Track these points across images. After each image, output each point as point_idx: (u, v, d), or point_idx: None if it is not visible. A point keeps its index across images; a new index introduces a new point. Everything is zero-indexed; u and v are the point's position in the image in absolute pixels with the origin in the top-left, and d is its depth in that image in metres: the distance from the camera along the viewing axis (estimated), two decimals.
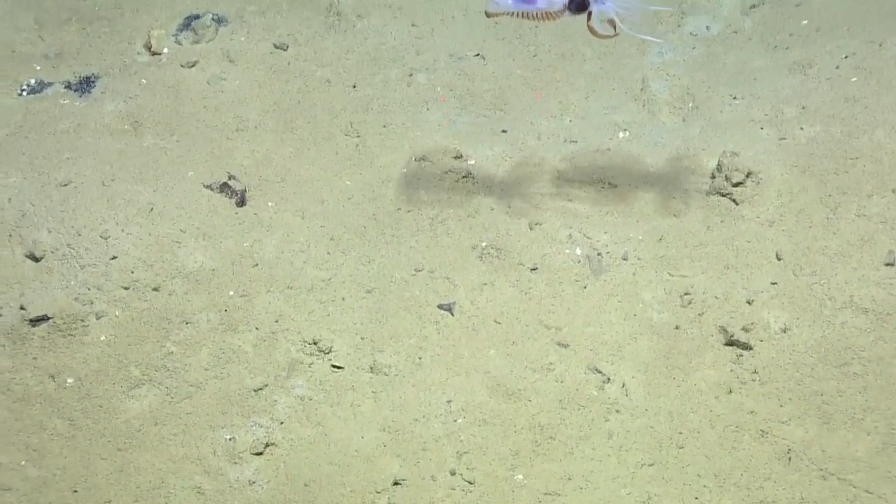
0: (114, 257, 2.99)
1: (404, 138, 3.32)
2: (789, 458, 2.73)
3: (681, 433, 2.78)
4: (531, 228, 3.09)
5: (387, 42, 3.58)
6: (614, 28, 2.59)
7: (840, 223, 2.97)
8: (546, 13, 2.57)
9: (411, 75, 3.50)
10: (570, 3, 2.55)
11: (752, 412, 2.78)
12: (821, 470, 2.71)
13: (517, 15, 2.57)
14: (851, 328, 2.83)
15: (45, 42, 3.57)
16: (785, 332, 2.86)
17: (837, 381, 2.78)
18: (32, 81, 3.46)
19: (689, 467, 2.74)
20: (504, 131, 3.34)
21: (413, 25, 3.63)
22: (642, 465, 2.75)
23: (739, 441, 2.76)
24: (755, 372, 2.83)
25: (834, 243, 2.94)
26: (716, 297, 2.93)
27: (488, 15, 2.61)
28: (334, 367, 2.90)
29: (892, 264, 2.87)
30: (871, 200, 2.98)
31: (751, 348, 2.85)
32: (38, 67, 3.50)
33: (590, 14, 2.58)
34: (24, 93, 3.43)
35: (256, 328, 2.94)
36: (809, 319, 2.86)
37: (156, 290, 2.97)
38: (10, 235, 3.02)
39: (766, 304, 2.90)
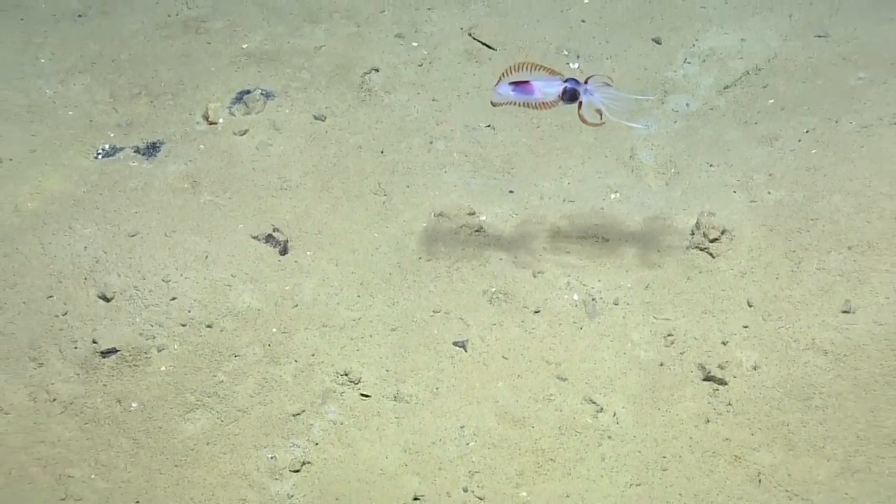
0: (173, 298, 3.02)
1: (425, 197, 3.35)
2: (759, 481, 2.72)
3: (664, 457, 2.78)
4: (534, 276, 3.11)
5: (411, 114, 3.61)
6: (601, 116, 2.62)
7: (803, 275, 2.99)
8: (542, 103, 2.60)
9: (431, 143, 3.52)
10: (563, 95, 2.59)
11: (726, 440, 2.79)
12: (787, 491, 2.70)
13: (518, 104, 2.61)
14: (813, 367, 2.83)
15: (118, 113, 3.60)
16: (755, 369, 2.87)
17: (801, 413, 2.79)
18: (106, 146, 3.48)
19: (672, 488, 2.74)
20: (511, 192, 3.36)
21: (433, 100, 3.66)
22: (631, 486, 2.74)
23: (716, 465, 2.76)
24: (729, 404, 2.83)
25: (798, 293, 2.96)
26: (695, 338, 2.95)
27: (494, 104, 2.63)
28: (362, 395, 2.91)
29: (848, 312, 2.88)
30: (829, 256, 3.00)
31: (726, 383, 2.86)
32: (112, 134, 3.53)
33: (580, 104, 2.60)
34: (100, 156, 3.46)
35: (296, 361, 2.97)
36: (777, 359, 2.87)
37: (209, 326, 3.00)
38: (85, 279, 3.05)
39: (739, 344, 2.91)
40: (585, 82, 2.61)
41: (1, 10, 3.99)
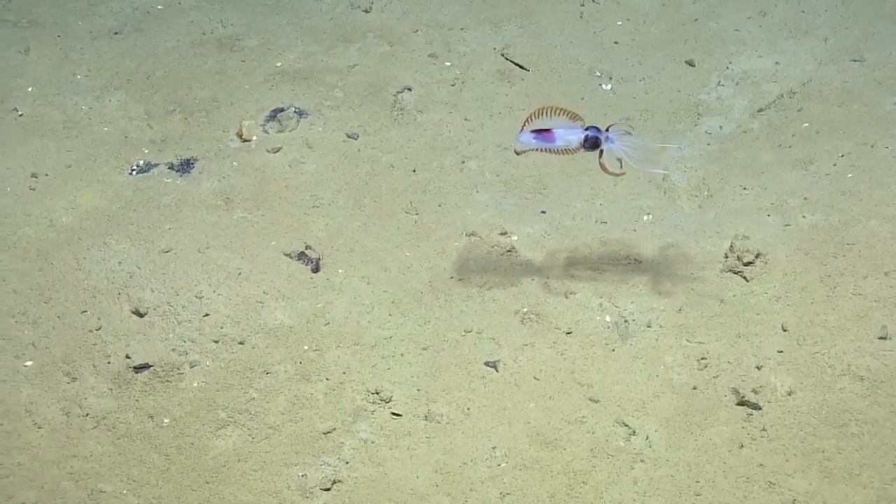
0: (206, 315, 3.05)
1: (457, 216, 3.36)
2: None
3: (698, 482, 2.77)
4: (566, 297, 3.12)
5: (442, 133, 3.64)
6: (620, 165, 2.66)
7: (838, 300, 2.99)
8: (565, 149, 2.65)
9: (463, 162, 3.55)
10: (584, 142, 2.64)
11: (761, 465, 2.78)
12: None
13: (541, 150, 2.66)
14: (849, 393, 2.83)
15: (153, 129, 3.64)
16: (790, 394, 2.87)
17: (837, 439, 2.78)
18: (141, 162, 3.53)
19: None
20: (543, 212, 3.38)
21: (466, 120, 3.69)
22: None
23: (750, 491, 2.74)
24: (764, 429, 2.83)
25: (833, 318, 2.96)
26: (728, 363, 2.95)
27: (517, 153, 2.70)
28: (394, 414, 2.91)
29: (884, 338, 2.88)
30: (865, 281, 3.01)
31: (760, 408, 2.86)
32: (146, 151, 3.58)
33: (601, 152, 2.64)
34: (134, 172, 3.50)
35: (327, 379, 2.97)
36: (812, 384, 2.87)
37: (241, 343, 3.01)
38: (119, 294, 3.08)
39: (774, 369, 2.91)
40: (606, 130, 2.65)
41: (38, 26, 4.08)
